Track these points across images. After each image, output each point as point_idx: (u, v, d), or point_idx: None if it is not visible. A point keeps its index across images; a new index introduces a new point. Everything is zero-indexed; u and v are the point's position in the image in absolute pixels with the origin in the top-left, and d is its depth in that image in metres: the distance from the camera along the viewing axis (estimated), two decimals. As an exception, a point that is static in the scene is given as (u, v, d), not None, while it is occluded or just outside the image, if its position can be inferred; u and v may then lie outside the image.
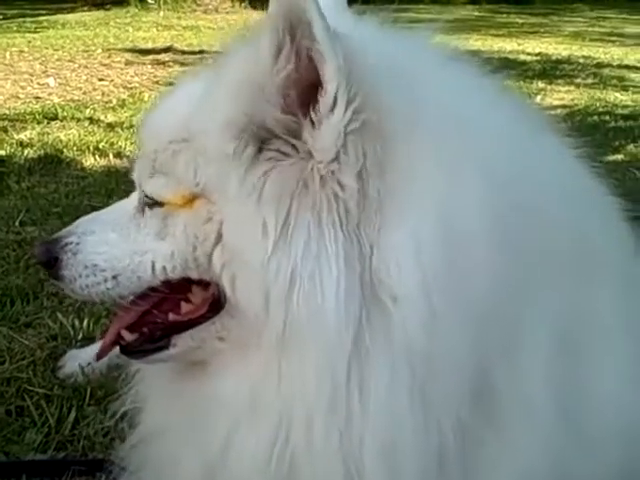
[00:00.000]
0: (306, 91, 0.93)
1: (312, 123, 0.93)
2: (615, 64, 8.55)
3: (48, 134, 4.83)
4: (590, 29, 12.83)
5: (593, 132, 4.75)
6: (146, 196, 1.08)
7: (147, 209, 1.08)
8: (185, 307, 1.10)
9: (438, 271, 0.92)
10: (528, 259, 0.97)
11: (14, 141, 4.62)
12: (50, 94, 6.39)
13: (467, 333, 0.93)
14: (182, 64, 7.96)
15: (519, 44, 10.18)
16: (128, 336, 1.14)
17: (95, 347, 2.17)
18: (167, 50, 9.06)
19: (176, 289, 1.08)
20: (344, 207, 0.93)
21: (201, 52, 8.52)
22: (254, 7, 13.10)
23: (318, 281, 0.92)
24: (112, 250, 1.09)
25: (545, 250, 0.99)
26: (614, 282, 1.11)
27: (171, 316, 1.11)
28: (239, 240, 0.97)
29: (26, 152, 4.37)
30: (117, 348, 1.18)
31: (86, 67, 7.82)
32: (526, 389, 0.98)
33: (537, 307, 0.98)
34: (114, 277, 1.08)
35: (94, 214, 1.18)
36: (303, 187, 0.94)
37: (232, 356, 1.04)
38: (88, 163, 4.23)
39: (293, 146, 0.95)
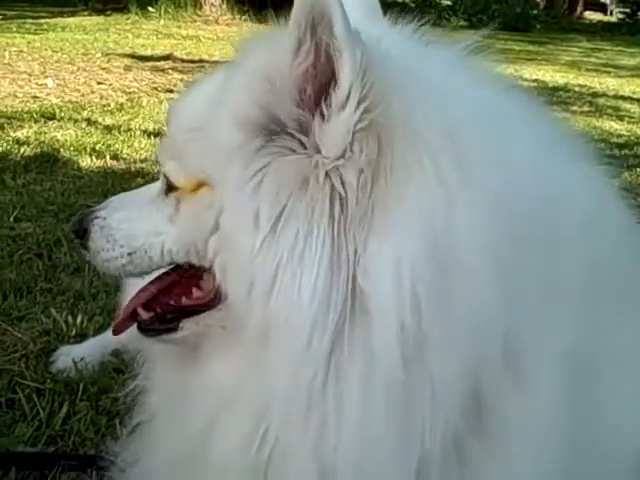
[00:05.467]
0: (321, 87, 0.93)
1: (323, 118, 0.93)
2: (611, 94, 8.63)
3: (45, 133, 4.82)
4: (586, 59, 12.96)
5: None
6: (166, 179, 1.10)
7: (165, 193, 1.11)
8: (196, 293, 1.11)
9: (419, 287, 0.89)
10: (532, 287, 0.94)
11: (10, 138, 4.60)
12: (48, 94, 6.37)
13: (454, 352, 0.91)
14: (181, 72, 7.98)
15: (516, 70, 10.24)
16: (143, 314, 1.17)
17: (89, 343, 2.17)
18: (167, 58, 9.06)
19: (189, 274, 1.10)
20: (340, 206, 0.92)
21: (200, 61, 8.55)
22: (254, 20, 13.15)
23: (298, 280, 0.91)
24: (131, 228, 1.13)
25: (554, 279, 0.96)
26: (635, 309, 1.10)
27: (183, 300, 1.13)
28: (232, 230, 0.98)
29: (22, 150, 4.35)
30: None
31: (85, 70, 7.81)
32: (531, 407, 0.95)
33: (542, 330, 0.95)
34: (129, 254, 1.12)
35: (127, 192, 1.23)
36: (303, 183, 0.94)
37: (224, 344, 1.05)
38: (84, 163, 4.21)
39: (300, 141, 0.95)
